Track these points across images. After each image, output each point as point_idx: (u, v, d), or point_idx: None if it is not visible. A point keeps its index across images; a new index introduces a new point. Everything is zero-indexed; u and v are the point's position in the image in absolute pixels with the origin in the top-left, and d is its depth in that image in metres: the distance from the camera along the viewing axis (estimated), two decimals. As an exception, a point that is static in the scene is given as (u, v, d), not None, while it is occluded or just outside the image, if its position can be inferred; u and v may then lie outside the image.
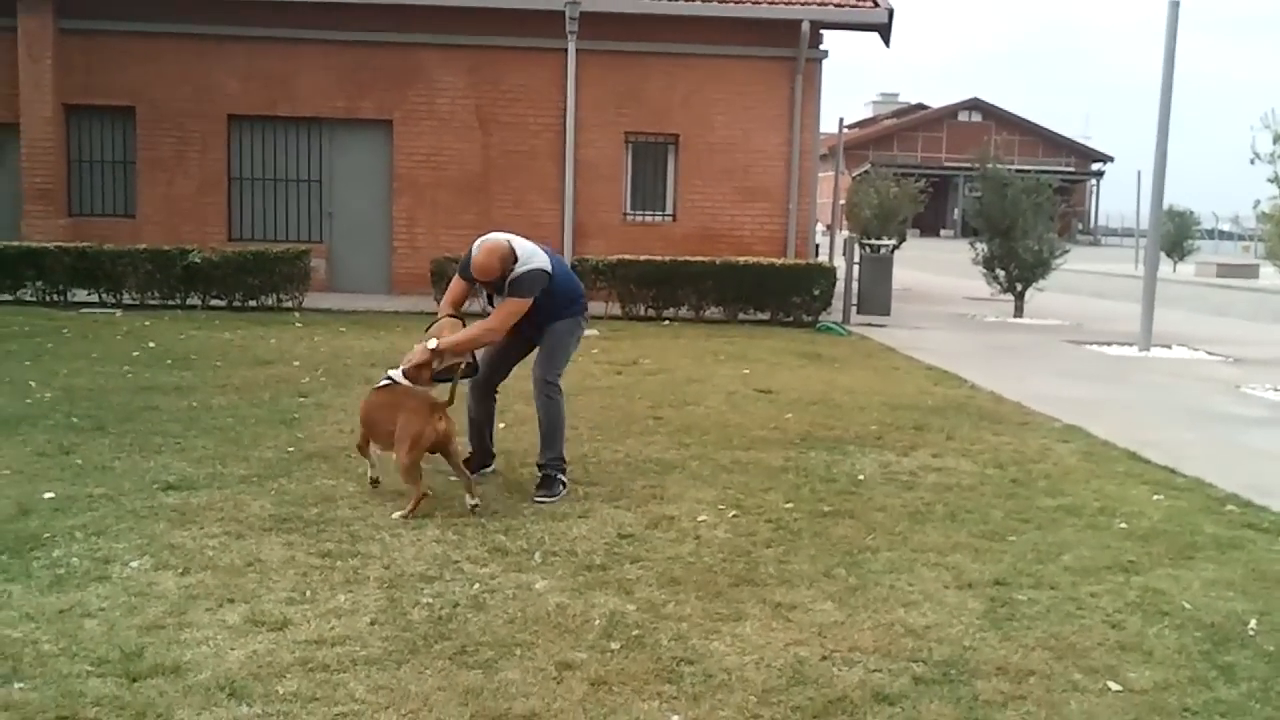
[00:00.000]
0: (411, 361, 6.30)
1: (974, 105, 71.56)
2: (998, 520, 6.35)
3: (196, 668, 4.04)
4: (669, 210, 19.68)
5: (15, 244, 16.76)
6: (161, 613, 4.55)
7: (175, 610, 4.58)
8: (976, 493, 6.95)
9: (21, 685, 3.85)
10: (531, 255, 6.49)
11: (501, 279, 6.42)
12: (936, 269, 32.55)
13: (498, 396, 7.08)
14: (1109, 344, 15.90)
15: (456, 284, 6.65)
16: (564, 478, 6.67)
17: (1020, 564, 5.57)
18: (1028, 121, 70.23)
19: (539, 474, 6.67)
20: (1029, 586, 5.24)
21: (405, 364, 6.34)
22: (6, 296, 16.10)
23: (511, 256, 6.41)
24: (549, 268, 6.52)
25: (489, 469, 7.05)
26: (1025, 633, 4.67)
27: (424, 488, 6.14)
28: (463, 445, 6.65)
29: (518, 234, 6.70)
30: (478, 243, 6.51)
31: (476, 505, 6.15)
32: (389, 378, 6.42)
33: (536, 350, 6.83)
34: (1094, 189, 73.57)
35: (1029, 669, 4.29)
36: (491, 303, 6.71)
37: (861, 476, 7.27)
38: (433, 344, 6.27)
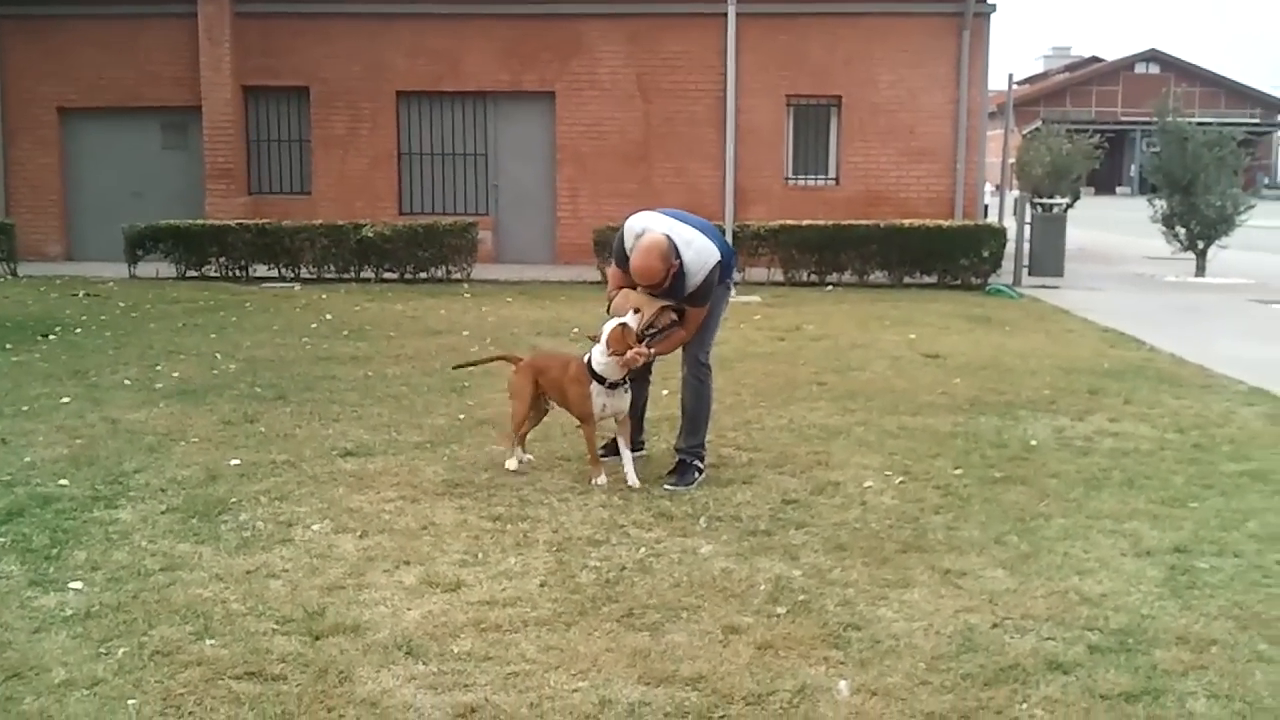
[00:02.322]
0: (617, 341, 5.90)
1: (1151, 56, 68.69)
2: (1178, 486, 6.13)
3: (375, 627, 4.19)
4: (831, 174, 19.45)
5: (200, 222, 17.54)
6: (341, 574, 4.72)
7: (354, 571, 4.75)
8: (1155, 458, 6.72)
9: (212, 642, 4.05)
10: (691, 244, 5.88)
11: (666, 278, 5.83)
12: (1112, 228, 31.45)
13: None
14: (1298, 303, 15.16)
15: (616, 274, 6.21)
16: (700, 464, 6.20)
17: (1202, 531, 5.37)
18: (1209, 71, 67.12)
19: (675, 458, 6.26)
20: (1211, 554, 5.05)
21: (609, 346, 5.92)
22: (193, 273, 16.85)
23: (673, 250, 5.80)
24: (719, 254, 5.97)
25: (641, 452, 6.53)
26: (1207, 601, 4.51)
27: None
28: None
29: (676, 205, 6.45)
30: (632, 238, 5.93)
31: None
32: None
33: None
34: (1282, 141, 70.03)
35: (1211, 638, 4.14)
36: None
37: (1034, 442, 7.10)
38: (630, 319, 5.91)
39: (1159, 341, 11.22)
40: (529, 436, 6.55)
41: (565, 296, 14.86)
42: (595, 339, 6.04)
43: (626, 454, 6.15)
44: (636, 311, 5.92)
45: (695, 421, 6.29)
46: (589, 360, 6.04)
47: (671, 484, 6.07)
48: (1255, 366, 9.73)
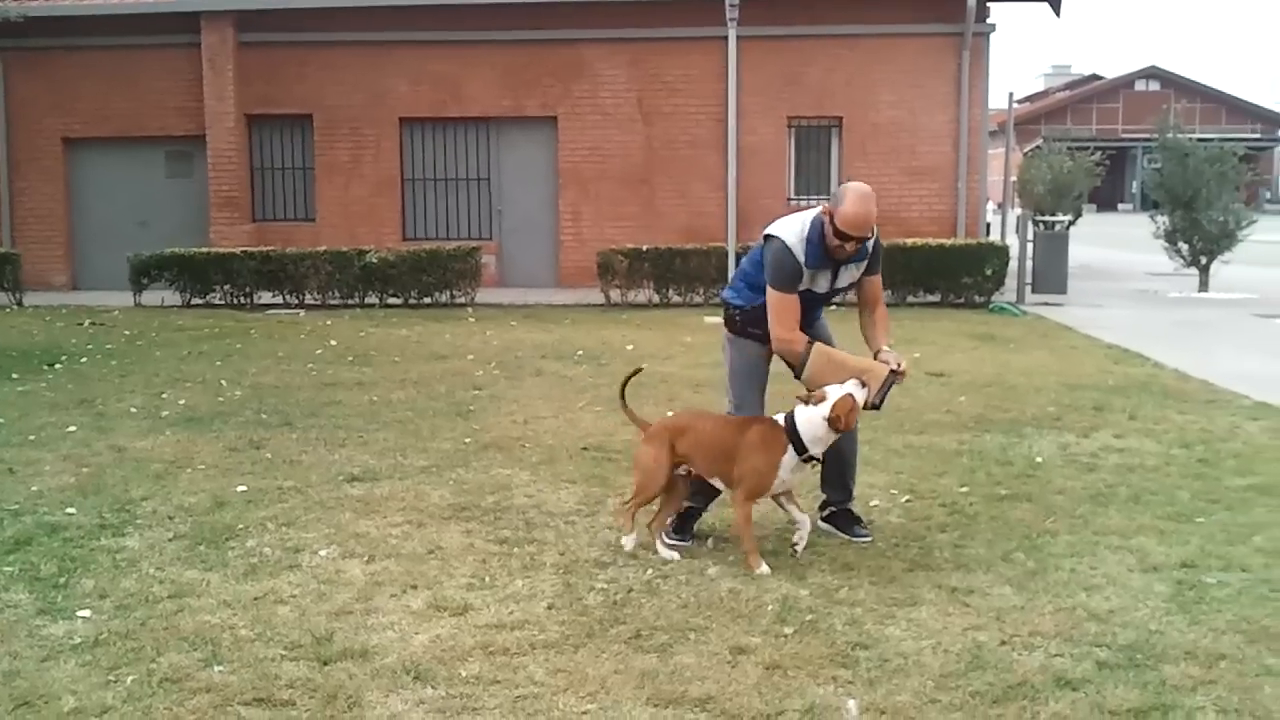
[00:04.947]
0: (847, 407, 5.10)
1: (1151, 74, 68.79)
2: (1184, 501, 6.13)
3: (383, 651, 4.19)
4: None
5: (205, 250, 17.59)
6: (349, 599, 4.73)
7: (362, 596, 4.76)
8: (1161, 473, 6.72)
9: (221, 668, 4.05)
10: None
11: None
12: (1115, 244, 31.45)
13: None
14: (1302, 317, 15.16)
15: (791, 303, 5.33)
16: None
17: (1209, 546, 5.36)
18: (1209, 88, 67.17)
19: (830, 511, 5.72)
20: (1218, 569, 5.05)
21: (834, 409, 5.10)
22: (198, 300, 16.90)
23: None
24: None
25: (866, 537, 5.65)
26: (1215, 616, 4.50)
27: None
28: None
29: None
30: (798, 243, 5.26)
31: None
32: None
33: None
34: (1283, 155, 70.06)
35: (1219, 653, 4.14)
36: (833, 287, 5.49)
37: (1039, 459, 7.10)
38: (856, 390, 5.16)
39: (1163, 357, 11.22)
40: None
41: (570, 319, 14.89)
42: (808, 400, 5.19)
43: (804, 519, 5.33)
44: (863, 385, 5.17)
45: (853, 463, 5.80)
46: (790, 424, 5.17)
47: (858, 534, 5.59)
48: (1259, 381, 9.73)
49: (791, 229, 5.36)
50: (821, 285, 5.44)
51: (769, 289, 5.34)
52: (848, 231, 5.20)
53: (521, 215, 19.66)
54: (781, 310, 5.32)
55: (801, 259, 5.29)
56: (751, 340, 5.60)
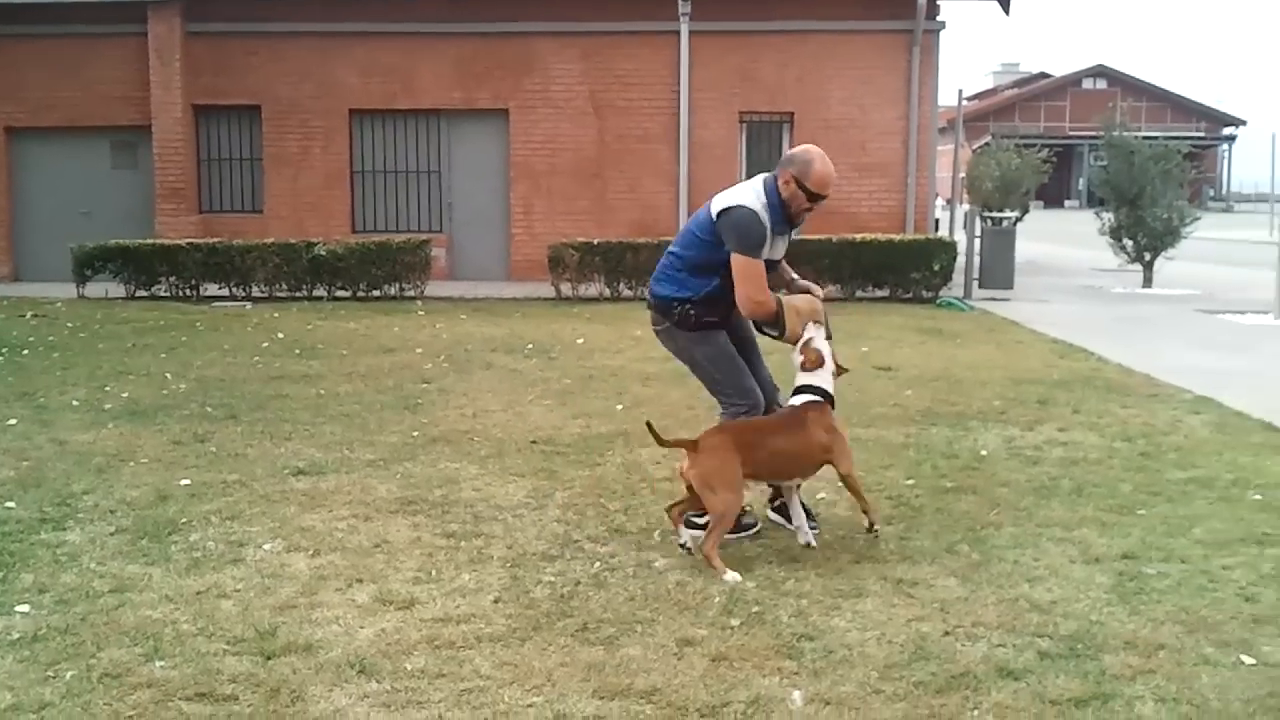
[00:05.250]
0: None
1: (1099, 72, 69.58)
2: (1126, 494, 6.21)
3: (328, 646, 4.16)
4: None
5: (150, 241, 17.39)
6: (293, 593, 4.69)
7: (306, 590, 4.72)
8: (1104, 466, 6.80)
9: (162, 664, 4.01)
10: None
11: None
12: (1061, 241, 31.80)
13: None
14: (1243, 313, 15.38)
15: (760, 267, 5.35)
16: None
17: (1149, 538, 5.43)
18: (1155, 86, 68.07)
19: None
20: (1159, 560, 5.12)
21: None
22: (142, 293, 16.70)
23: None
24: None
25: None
26: (1155, 607, 4.56)
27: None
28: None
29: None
30: (761, 209, 5.28)
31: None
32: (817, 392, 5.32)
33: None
34: (1226, 154, 71.11)
35: (1159, 643, 4.19)
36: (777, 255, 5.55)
37: (984, 452, 7.16)
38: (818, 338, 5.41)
39: (1107, 352, 11.35)
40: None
41: (520, 313, 14.85)
42: (806, 366, 5.34)
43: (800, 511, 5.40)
44: (818, 324, 5.42)
45: None
46: (824, 395, 5.30)
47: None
48: (1201, 375, 9.87)
49: (749, 197, 5.35)
50: (778, 251, 5.51)
51: (737, 257, 5.27)
52: (820, 192, 5.33)
53: (472, 208, 19.58)
54: (754, 274, 5.32)
55: (768, 224, 5.32)
56: (712, 330, 5.53)
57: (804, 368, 5.37)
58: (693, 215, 5.62)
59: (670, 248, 5.60)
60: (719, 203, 5.41)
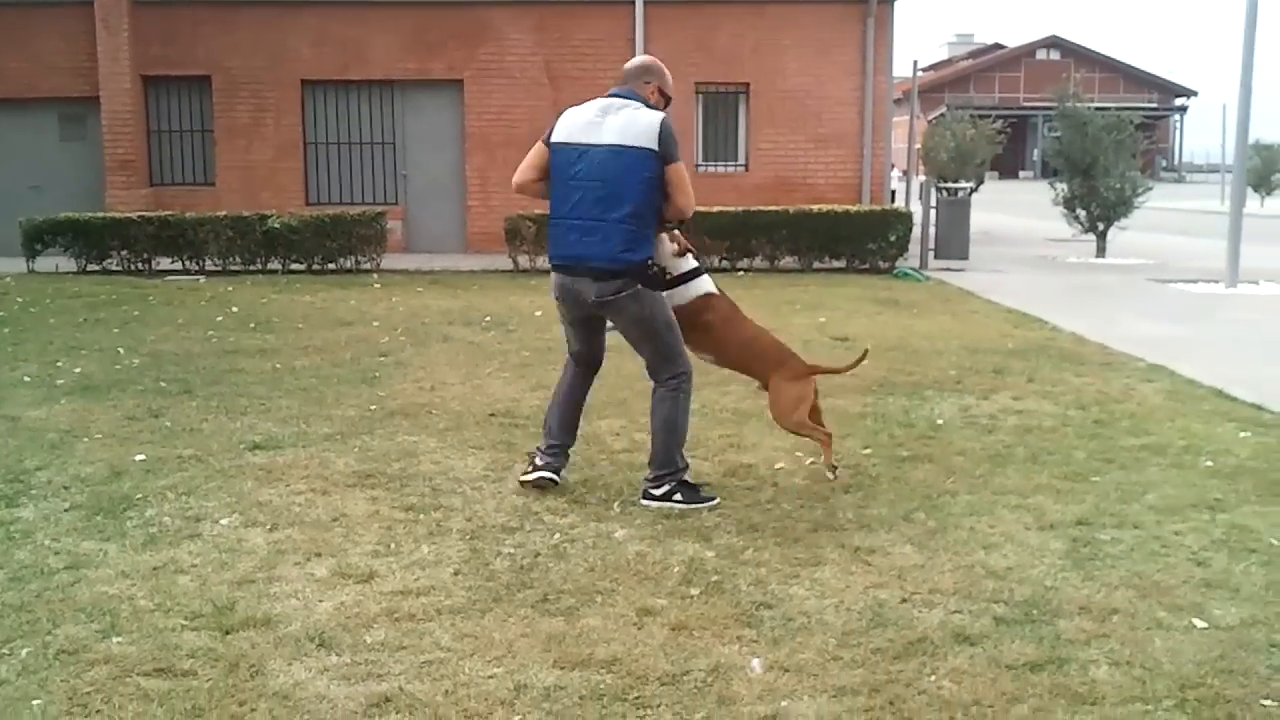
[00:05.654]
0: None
1: (1052, 43, 69.99)
2: (1080, 461, 6.28)
3: (286, 620, 4.15)
4: (741, 160, 19.56)
5: (100, 215, 17.12)
6: (251, 568, 4.67)
7: (265, 565, 4.70)
8: (1058, 434, 6.88)
9: (120, 639, 3.98)
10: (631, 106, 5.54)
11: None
12: (1016, 211, 32.02)
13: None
14: (1194, 282, 15.57)
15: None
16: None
17: (1103, 504, 5.51)
18: (1108, 57, 68.56)
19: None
20: (1112, 526, 5.19)
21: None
22: (94, 267, 16.46)
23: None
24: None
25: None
26: (1108, 572, 4.63)
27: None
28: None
29: None
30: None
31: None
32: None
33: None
34: (1178, 125, 71.79)
35: (1112, 607, 4.26)
36: None
37: (940, 421, 7.22)
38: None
39: (1061, 321, 11.46)
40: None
41: (477, 285, 14.79)
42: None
43: None
44: (672, 240, 5.76)
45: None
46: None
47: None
48: (1154, 344, 9.99)
49: (647, 110, 5.41)
50: None
51: (676, 166, 5.33)
52: (671, 96, 5.65)
53: (428, 180, 19.46)
54: (687, 179, 5.44)
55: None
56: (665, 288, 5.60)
57: (679, 255, 5.77)
58: (603, 167, 5.35)
59: (613, 214, 5.29)
60: (637, 129, 5.30)
